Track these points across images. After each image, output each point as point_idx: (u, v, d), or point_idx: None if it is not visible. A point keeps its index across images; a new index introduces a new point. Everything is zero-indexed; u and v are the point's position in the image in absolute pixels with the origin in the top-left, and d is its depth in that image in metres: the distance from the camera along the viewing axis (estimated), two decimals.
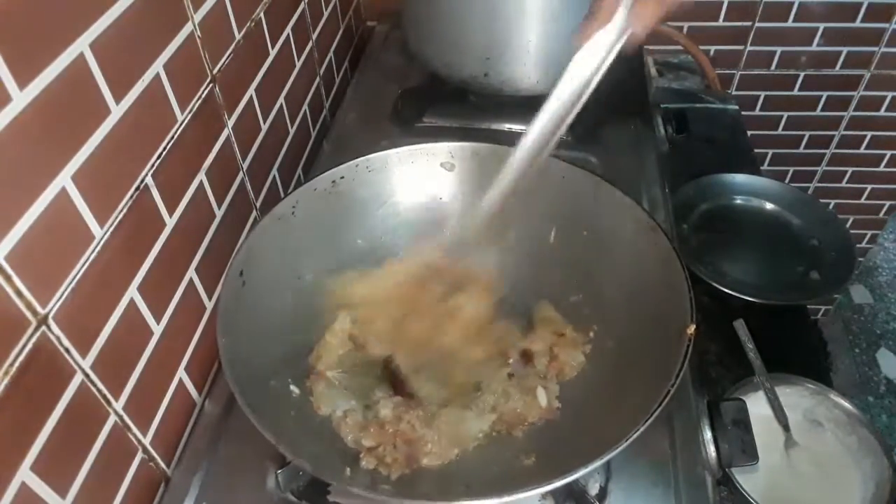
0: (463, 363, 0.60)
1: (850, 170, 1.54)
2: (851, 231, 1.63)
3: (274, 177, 0.82)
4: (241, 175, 0.72)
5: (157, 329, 0.57)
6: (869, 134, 1.47)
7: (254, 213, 0.76)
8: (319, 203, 0.64)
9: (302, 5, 0.87)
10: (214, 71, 0.64)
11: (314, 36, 0.93)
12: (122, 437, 0.53)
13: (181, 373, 0.61)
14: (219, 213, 0.67)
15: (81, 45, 0.45)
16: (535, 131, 0.52)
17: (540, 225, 0.67)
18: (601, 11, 0.49)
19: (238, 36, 0.69)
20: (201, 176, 0.63)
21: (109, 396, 0.50)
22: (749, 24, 1.29)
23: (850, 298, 1.79)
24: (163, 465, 0.59)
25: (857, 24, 1.28)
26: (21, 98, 0.40)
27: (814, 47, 1.32)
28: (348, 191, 0.66)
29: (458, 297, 0.61)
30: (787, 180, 1.54)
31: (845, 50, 1.32)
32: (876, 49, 1.32)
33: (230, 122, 0.69)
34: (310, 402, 0.57)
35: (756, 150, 1.27)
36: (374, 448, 0.54)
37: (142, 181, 0.53)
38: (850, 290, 1.80)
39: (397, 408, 0.56)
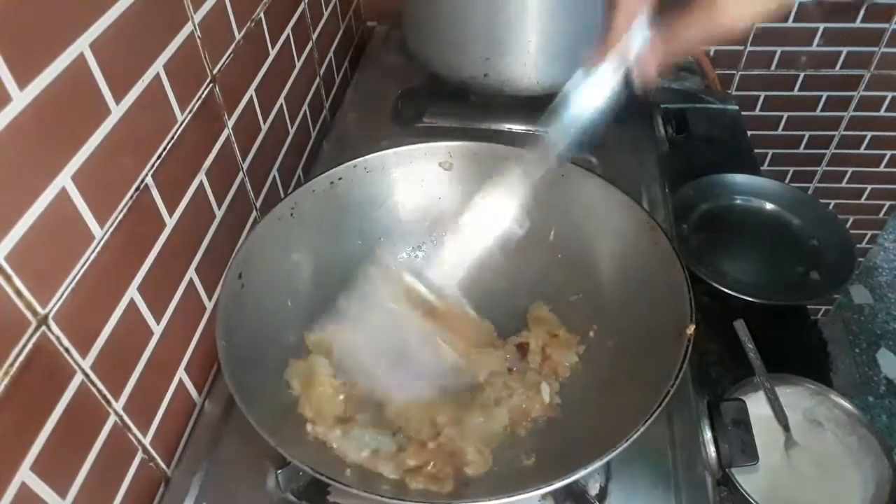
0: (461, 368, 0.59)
1: (850, 170, 1.54)
2: (851, 231, 1.63)
3: (274, 177, 0.82)
4: (241, 175, 0.72)
5: (157, 329, 0.57)
6: (869, 134, 1.47)
7: (254, 214, 0.76)
8: (318, 204, 0.64)
9: (302, 5, 0.87)
10: (214, 71, 0.64)
11: (314, 36, 0.93)
12: (122, 438, 0.53)
13: (181, 373, 0.61)
14: (219, 214, 0.67)
15: (81, 45, 0.45)
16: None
17: (539, 224, 0.67)
18: (612, 33, 0.47)
19: (238, 36, 0.69)
20: (201, 176, 0.63)
21: (109, 396, 0.50)
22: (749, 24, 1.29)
23: (850, 298, 1.79)
24: (163, 465, 0.59)
25: (857, 24, 1.28)
26: (21, 98, 0.40)
27: (814, 47, 1.32)
28: (347, 191, 0.66)
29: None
30: (787, 180, 1.54)
31: (845, 50, 1.32)
32: (876, 49, 1.32)
33: (230, 123, 0.69)
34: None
35: (756, 151, 1.27)
36: (420, 468, 0.52)
37: (142, 181, 0.53)
38: (850, 290, 1.80)
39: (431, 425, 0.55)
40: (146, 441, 0.56)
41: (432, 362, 0.57)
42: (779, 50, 1.33)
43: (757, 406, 0.80)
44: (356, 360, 0.57)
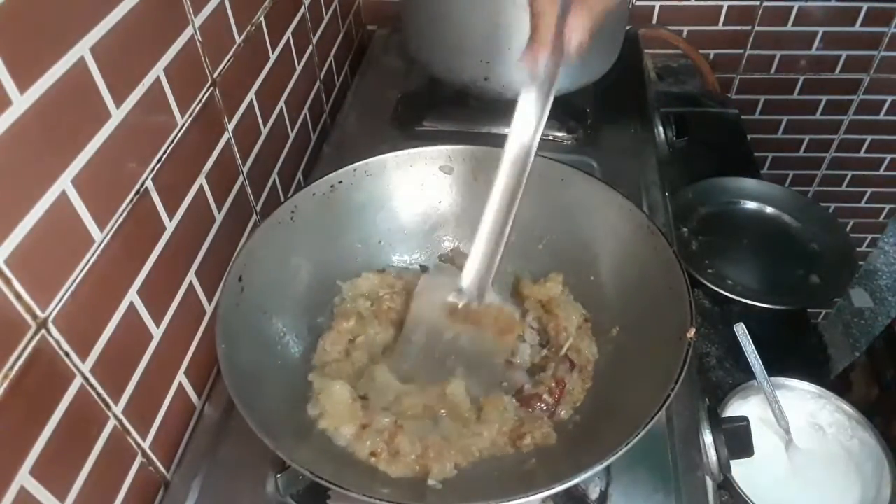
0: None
1: (850, 173, 1.54)
2: (851, 234, 1.63)
3: (274, 180, 0.82)
4: (241, 179, 0.72)
5: (157, 333, 0.57)
6: (869, 137, 1.47)
7: (254, 217, 0.76)
8: (318, 207, 0.64)
9: (302, 9, 0.88)
10: (215, 75, 0.64)
11: (314, 40, 0.93)
12: (121, 441, 0.53)
13: (181, 376, 0.61)
14: (219, 217, 0.67)
15: (82, 48, 0.45)
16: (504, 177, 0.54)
17: (539, 228, 0.67)
18: (540, 31, 0.49)
19: (238, 40, 0.69)
20: (201, 180, 0.63)
21: (109, 400, 0.50)
22: (749, 27, 1.29)
23: (851, 302, 1.79)
24: (162, 469, 0.58)
25: (857, 27, 1.28)
26: (21, 102, 0.40)
27: (813, 51, 1.32)
28: (347, 195, 0.66)
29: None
30: (786, 184, 1.54)
31: (845, 54, 1.33)
32: (875, 53, 1.32)
33: (230, 126, 0.69)
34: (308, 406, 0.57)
35: (756, 154, 1.27)
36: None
37: (142, 185, 0.53)
38: (851, 293, 1.80)
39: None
40: (145, 445, 0.56)
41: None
42: (778, 53, 1.33)
43: (758, 410, 0.80)
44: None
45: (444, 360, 0.60)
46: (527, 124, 0.55)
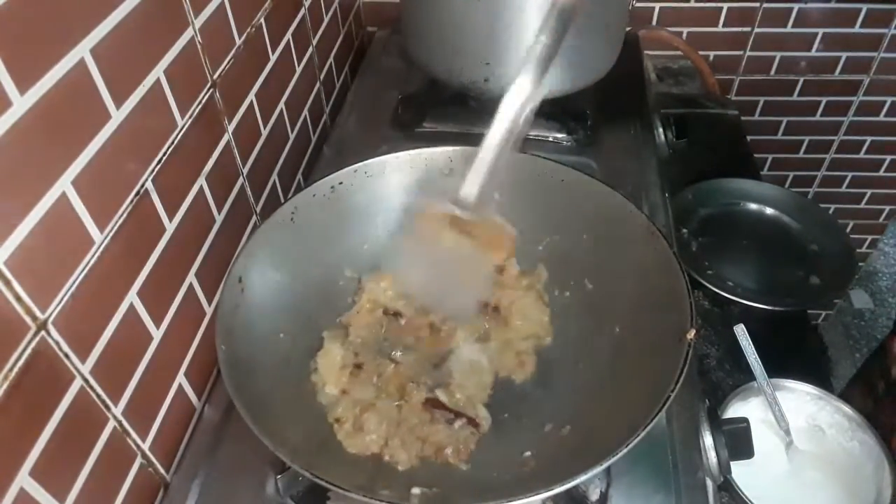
0: None
1: (850, 174, 1.55)
2: (851, 236, 1.63)
3: (274, 182, 0.82)
4: (241, 180, 0.72)
5: (157, 334, 0.57)
6: (868, 139, 1.47)
7: (254, 219, 0.76)
8: (318, 209, 0.64)
9: (302, 11, 0.88)
10: (215, 76, 0.65)
11: (314, 41, 0.94)
12: (121, 443, 0.53)
13: (181, 378, 0.61)
14: (219, 218, 0.67)
15: (82, 50, 0.45)
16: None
17: (539, 229, 0.67)
18: None
19: (238, 41, 0.69)
20: (201, 181, 0.63)
21: (109, 402, 0.50)
22: (748, 29, 1.29)
23: (851, 303, 1.79)
24: (162, 470, 0.58)
25: (856, 29, 1.28)
26: (22, 103, 0.40)
27: (813, 52, 1.32)
28: (347, 196, 0.66)
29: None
30: (786, 185, 1.54)
31: (844, 55, 1.33)
32: (875, 54, 1.32)
33: (230, 127, 0.69)
34: (309, 407, 0.57)
35: (756, 155, 1.27)
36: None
37: (142, 186, 0.53)
38: (851, 294, 1.80)
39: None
40: (145, 446, 0.56)
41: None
42: (778, 55, 1.33)
43: (758, 411, 0.80)
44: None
45: (440, 274, 0.59)
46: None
